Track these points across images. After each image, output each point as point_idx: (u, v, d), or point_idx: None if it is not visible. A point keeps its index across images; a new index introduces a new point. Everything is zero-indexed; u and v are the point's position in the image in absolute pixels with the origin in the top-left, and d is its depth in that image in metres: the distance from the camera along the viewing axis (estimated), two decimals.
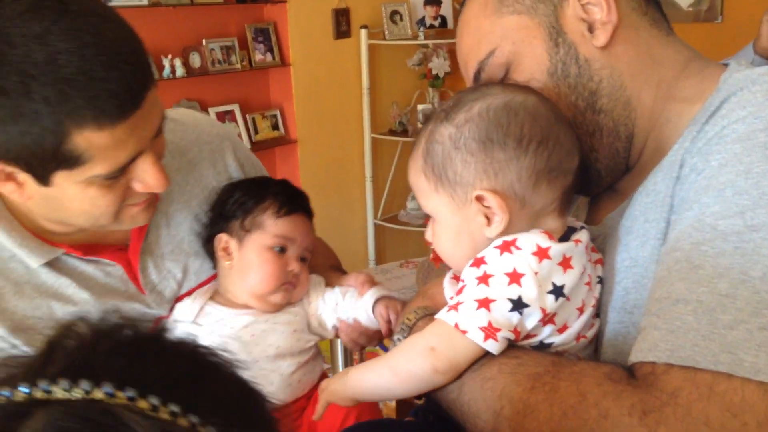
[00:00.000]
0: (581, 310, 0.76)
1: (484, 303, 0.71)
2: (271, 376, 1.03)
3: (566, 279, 0.73)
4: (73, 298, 0.98)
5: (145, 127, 0.84)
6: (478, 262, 0.75)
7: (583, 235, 0.78)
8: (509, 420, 0.67)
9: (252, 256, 1.06)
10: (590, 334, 0.78)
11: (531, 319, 0.72)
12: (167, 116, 1.10)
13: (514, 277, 0.72)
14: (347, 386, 0.80)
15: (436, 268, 2.12)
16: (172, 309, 1.07)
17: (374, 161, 3.80)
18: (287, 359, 1.04)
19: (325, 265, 1.25)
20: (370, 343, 1.08)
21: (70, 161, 0.80)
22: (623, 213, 0.83)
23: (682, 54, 0.85)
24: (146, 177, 0.88)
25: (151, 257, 1.06)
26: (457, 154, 0.76)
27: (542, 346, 0.75)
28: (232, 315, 1.06)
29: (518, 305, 0.71)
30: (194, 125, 1.15)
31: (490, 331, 0.70)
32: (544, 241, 0.73)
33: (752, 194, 0.64)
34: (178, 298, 1.09)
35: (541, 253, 0.72)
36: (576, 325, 0.75)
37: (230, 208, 1.08)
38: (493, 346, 0.70)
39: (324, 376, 1.13)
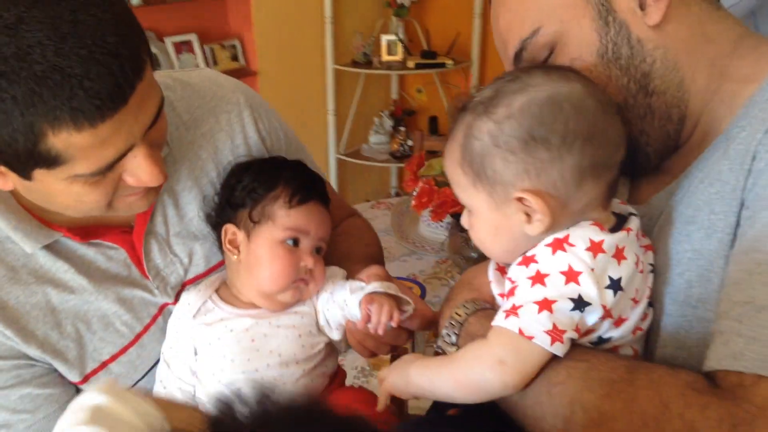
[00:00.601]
0: (636, 301, 0.73)
1: (545, 305, 0.68)
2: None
3: (622, 271, 0.71)
4: (70, 284, 0.91)
5: (136, 121, 0.75)
6: (528, 261, 0.72)
7: (633, 223, 0.75)
8: (582, 428, 0.65)
9: (261, 251, 0.95)
10: (645, 325, 0.76)
11: (592, 316, 0.69)
12: (183, 80, 1.01)
13: (571, 276, 0.69)
14: (409, 383, 0.77)
15: (418, 214, 2.10)
16: (177, 296, 0.99)
17: (337, 94, 3.68)
18: (291, 367, 0.94)
19: (361, 253, 1.12)
20: (381, 349, 0.97)
21: (48, 161, 0.72)
22: (672, 195, 0.80)
23: (734, 30, 0.81)
24: (138, 171, 0.79)
25: (155, 240, 0.98)
26: (497, 152, 0.72)
27: (600, 342, 0.73)
28: (233, 315, 0.96)
29: (579, 304, 0.68)
30: (213, 92, 1.03)
31: (555, 334, 0.68)
32: (597, 235, 0.70)
33: None
34: (184, 284, 1.00)
35: (595, 248, 0.70)
36: (633, 317, 0.73)
37: (238, 196, 0.97)
38: (559, 349, 0.68)
39: (340, 372, 1.03)
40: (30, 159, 0.71)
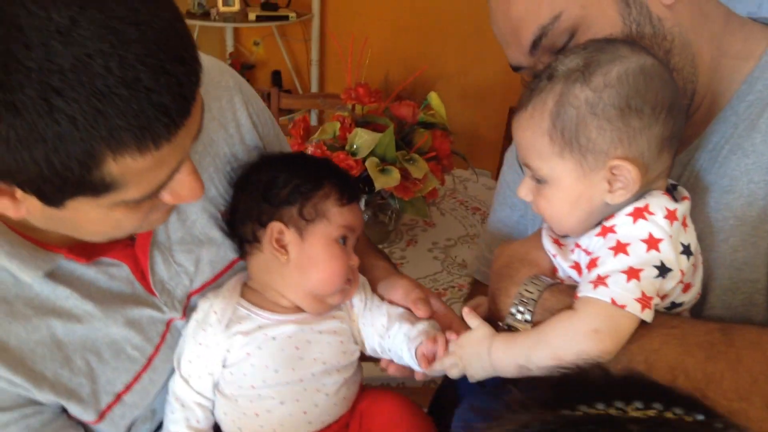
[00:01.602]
0: (695, 267, 0.78)
1: (633, 273, 0.71)
2: (316, 397, 0.87)
3: (689, 238, 0.75)
4: (75, 312, 0.78)
5: (188, 134, 0.65)
6: (606, 231, 0.74)
7: (686, 192, 0.79)
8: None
9: (318, 249, 0.89)
10: (700, 289, 0.81)
11: (671, 282, 0.73)
12: None
13: (652, 243, 0.72)
14: (495, 368, 0.77)
15: None
16: (185, 309, 0.88)
17: None
18: (333, 375, 0.89)
19: (367, 250, 1.04)
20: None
21: (97, 189, 0.61)
22: (681, 165, 0.85)
23: (721, 8, 0.87)
24: (180, 188, 0.70)
25: (158, 250, 0.86)
26: (593, 120, 0.72)
27: (673, 306, 0.77)
28: (273, 322, 0.88)
29: (663, 270, 0.71)
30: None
31: (645, 301, 0.70)
32: (670, 203, 0.74)
33: None
34: (190, 295, 0.89)
35: (671, 216, 0.73)
36: (696, 282, 0.78)
37: (281, 192, 0.89)
38: (648, 315, 0.71)
39: (362, 386, 0.96)
40: (77, 188, 0.60)
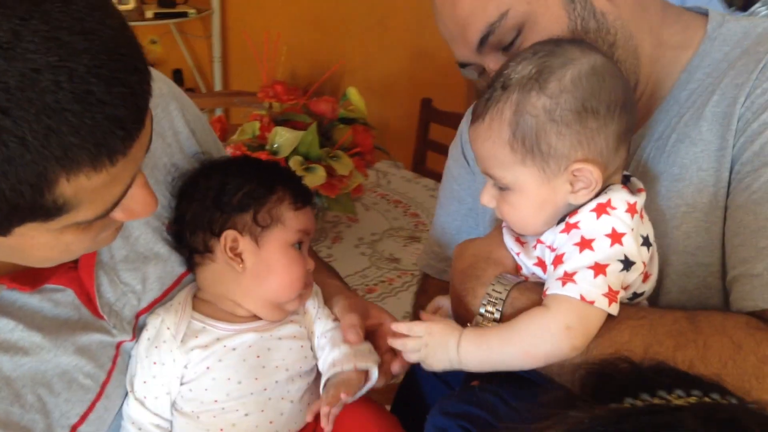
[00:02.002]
0: (652, 257, 0.81)
1: (599, 269, 0.73)
2: (281, 405, 0.85)
3: (647, 229, 0.78)
4: (21, 344, 0.73)
5: (143, 146, 0.62)
6: (570, 228, 0.76)
7: (640, 184, 0.82)
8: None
9: (276, 256, 0.86)
10: (657, 277, 0.83)
11: (634, 274, 0.75)
12: None
13: (615, 237, 0.74)
14: (462, 363, 0.77)
15: None
16: (134, 330, 0.84)
17: None
18: (297, 382, 0.88)
19: (318, 267, 1.00)
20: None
21: (50, 213, 0.57)
22: (632, 156, 0.88)
23: (658, 0, 0.91)
24: (133, 204, 0.66)
25: (103, 270, 0.81)
26: (552, 126, 0.74)
27: (635, 297, 0.80)
28: (232, 332, 0.86)
29: (627, 264, 0.74)
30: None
31: (612, 295, 0.72)
32: (630, 197, 0.77)
33: None
34: (138, 315, 0.85)
35: (632, 209, 0.76)
36: (654, 271, 0.81)
37: (233, 199, 0.85)
38: (615, 309, 0.73)
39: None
40: (27, 213, 0.55)
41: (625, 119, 0.76)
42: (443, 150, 2.96)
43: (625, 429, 0.40)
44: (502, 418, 0.78)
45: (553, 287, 0.75)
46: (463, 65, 0.90)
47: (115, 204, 0.63)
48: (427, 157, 3.00)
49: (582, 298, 0.72)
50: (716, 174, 0.81)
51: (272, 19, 3.35)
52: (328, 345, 0.89)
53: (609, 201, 0.76)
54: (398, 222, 2.10)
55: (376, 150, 1.91)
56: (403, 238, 2.00)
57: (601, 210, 0.75)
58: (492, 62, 0.85)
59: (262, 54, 2.04)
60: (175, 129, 0.90)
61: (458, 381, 0.90)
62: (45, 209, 0.56)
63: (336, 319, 0.92)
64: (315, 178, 1.69)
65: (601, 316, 0.73)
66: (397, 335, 0.82)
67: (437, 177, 2.54)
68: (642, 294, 0.80)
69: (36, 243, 0.62)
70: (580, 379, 0.49)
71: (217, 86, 3.73)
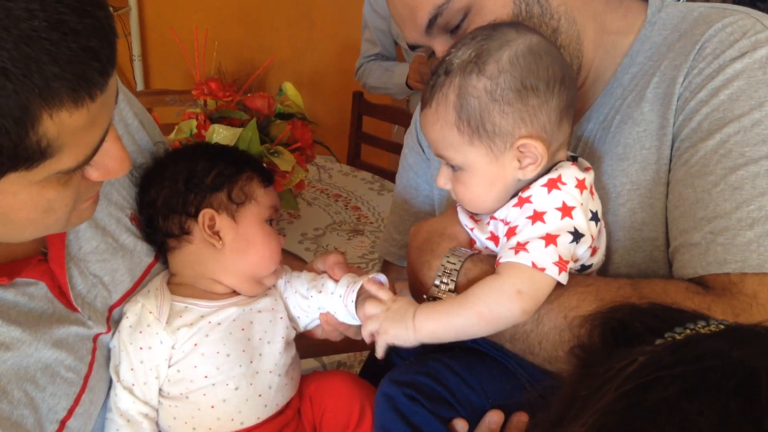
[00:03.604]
0: (600, 231, 0.84)
1: (550, 239, 0.76)
2: (269, 378, 0.87)
3: (596, 205, 0.82)
4: (2, 339, 0.71)
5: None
6: (523, 202, 0.79)
7: (587, 163, 0.85)
8: None
9: (253, 230, 0.89)
10: (605, 251, 0.87)
11: (583, 246, 0.79)
12: None
13: (566, 211, 0.77)
14: (418, 330, 0.78)
15: None
16: (108, 323, 0.83)
17: None
18: (282, 355, 0.89)
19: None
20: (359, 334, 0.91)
21: (33, 157, 0.57)
22: (578, 139, 0.91)
23: None
24: (107, 160, 0.66)
25: (73, 263, 0.80)
26: (494, 106, 0.77)
27: (583, 269, 0.83)
28: (214, 309, 0.87)
29: (576, 236, 0.77)
30: None
31: (561, 264, 0.76)
32: (579, 173, 0.80)
33: (767, 123, 0.76)
34: (111, 308, 0.84)
35: (581, 185, 0.79)
36: (602, 245, 0.84)
37: (205, 179, 0.87)
38: (564, 278, 0.77)
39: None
40: (11, 159, 0.55)
41: (566, 95, 0.79)
42: (377, 143, 3.01)
43: (697, 354, 0.42)
44: (448, 387, 0.81)
45: (506, 256, 0.78)
46: (412, 47, 0.92)
47: (94, 151, 0.63)
48: (361, 150, 3.00)
49: (533, 264, 0.75)
50: (658, 152, 0.84)
51: (193, 15, 3.28)
52: (321, 280, 0.90)
53: (559, 177, 0.79)
54: (340, 216, 2.09)
55: (315, 144, 1.89)
56: (346, 231, 1.99)
57: (552, 185, 0.78)
58: (440, 44, 0.88)
59: (192, 51, 1.98)
60: (126, 121, 0.90)
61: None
62: (29, 152, 0.56)
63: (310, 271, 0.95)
64: None
65: (550, 283, 0.77)
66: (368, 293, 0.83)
67: (373, 170, 2.57)
68: (590, 266, 0.84)
69: (19, 201, 0.61)
70: (592, 336, 0.50)
71: (139, 86, 3.61)
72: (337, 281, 0.89)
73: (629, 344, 0.45)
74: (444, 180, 0.84)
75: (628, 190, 0.86)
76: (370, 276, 0.85)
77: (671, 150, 0.83)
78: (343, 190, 2.27)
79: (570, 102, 0.80)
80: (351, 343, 1.44)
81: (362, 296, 0.85)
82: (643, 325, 0.47)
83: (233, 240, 0.88)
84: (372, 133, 2.97)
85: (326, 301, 0.89)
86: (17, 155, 0.56)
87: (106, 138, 0.64)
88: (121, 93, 0.89)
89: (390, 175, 2.54)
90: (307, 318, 0.93)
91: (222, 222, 0.88)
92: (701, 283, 0.77)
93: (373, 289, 0.82)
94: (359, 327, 0.90)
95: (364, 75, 2.70)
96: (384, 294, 0.82)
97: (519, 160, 0.79)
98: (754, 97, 0.78)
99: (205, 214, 0.87)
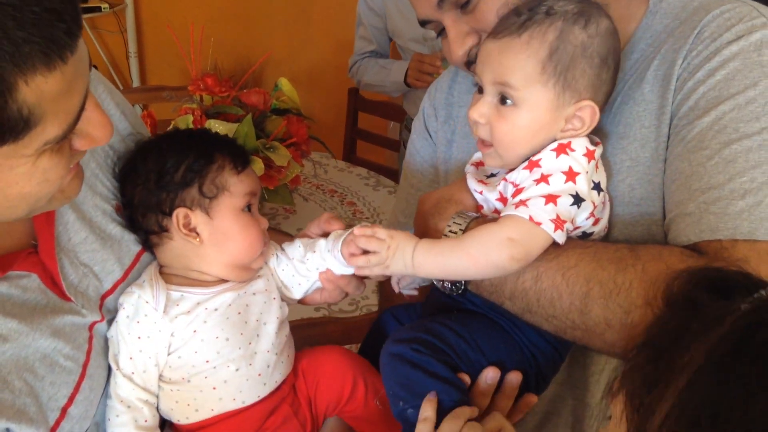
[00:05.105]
0: (604, 204, 0.87)
1: (551, 198, 0.79)
2: (267, 357, 0.89)
3: (600, 177, 0.85)
4: (1, 331, 0.72)
5: (85, 57, 0.63)
6: (533, 165, 0.82)
7: (597, 138, 0.88)
8: (600, 298, 0.77)
9: (228, 223, 0.89)
10: (607, 223, 0.89)
11: (584, 213, 0.82)
12: None
13: (570, 175, 0.81)
14: (416, 266, 0.81)
15: None
16: (100, 311, 0.84)
17: None
18: (278, 334, 0.91)
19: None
20: (359, 288, 0.95)
21: (18, 128, 0.58)
22: None
23: None
24: (90, 127, 0.67)
25: (63, 253, 0.81)
26: (582, 62, 0.81)
27: (584, 236, 0.86)
28: (210, 295, 0.88)
29: (577, 200, 0.80)
30: None
31: (558, 222, 0.79)
32: (590, 145, 0.84)
33: (760, 102, 0.80)
34: (103, 297, 0.85)
35: (590, 155, 0.83)
36: (605, 217, 0.87)
37: (175, 176, 0.86)
38: (560, 237, 0.79)
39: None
40: None
41: (614, 85, 0.85)
42: (372, 139, 3.02)
43: None
44: (449, 343, 0.84)
45: (507, 210, 0.81)
46: (423, 23, 0.94)
47: (77, 118, 0.64)
48: (357, 146, 3.02)
49: (530, 218, 0.79)
50: (657, 130, 0.87)
51: (189, 12, 3.28)
52: (309, 254, 0.92)
53: (570, 143, 0.82)
54: (336, 211, 2.10)
55: (311, 140, 1.90)
56: None
57: (561, 150, 0.82)
58: (450, 19, 0.90)
59: (188, 47, 1.99)
60: (108, 111, 0.89)
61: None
62: (12, 122, 0.57)
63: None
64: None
65: (544, 238, 0.79)
66: (363, 237, 0.84)
67: (369, 166, 2.58)
68: (591, 234, 0.86)
69: (15, 174, 0.62)
70: (689, 291, 0.56)
71: (135, 82, 3.61)
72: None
73: (727, 297, 0.51)
74: (479, 113, 0.84)
75: (628, 166, 0.88)
76: (359, 225, 0.87)
77: (669, 128, 0.86)
78: (339, 186, 2.28)
79: (611, 92, 0.85)
80: (347, 336, 1.46)
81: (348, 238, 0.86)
82: (739, 282, 0.53)
83: (210, 235, 0.88)
84: (368, 130, 2.98)
85: (321, 259, 0.91)
86: (1, 126, 0.57)
87: (87, 106, 0.65)
88: (102, 84, 0.90)
89: (385, 172, 2.56)
90: (308, 282, 0.94)
91: (197, 218, 0.88)
92: (695, 249, 0.80)
93: (368, 231, 0.83)
94: (359, 280, 0.93)
95: (359, 72, 2.70)
96: (381, 232, 0.83)
97: (566, 121, 0.82)
98: (748, 77, 0.81)
99: (179, 213, 0.87)
